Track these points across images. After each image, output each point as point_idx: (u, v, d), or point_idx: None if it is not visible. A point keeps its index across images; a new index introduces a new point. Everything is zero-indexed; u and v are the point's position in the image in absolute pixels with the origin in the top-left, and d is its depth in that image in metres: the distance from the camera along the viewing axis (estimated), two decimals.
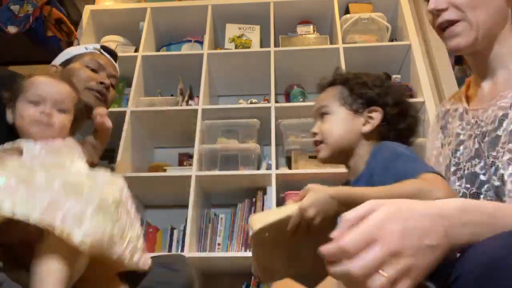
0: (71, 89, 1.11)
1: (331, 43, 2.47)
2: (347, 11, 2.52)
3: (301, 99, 2.36)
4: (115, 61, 1.47)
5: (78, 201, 0.79)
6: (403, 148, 0.93)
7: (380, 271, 0.50)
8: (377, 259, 0.50)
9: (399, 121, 1.01)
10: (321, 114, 1.03)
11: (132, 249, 0.86)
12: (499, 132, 0.82)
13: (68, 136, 1.09)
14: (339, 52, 2.29)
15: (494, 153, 0.82)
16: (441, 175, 0.85)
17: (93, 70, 1.35)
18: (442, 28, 0.86)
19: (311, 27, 2.54)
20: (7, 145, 1.01)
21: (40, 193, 0.77)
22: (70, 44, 2.53)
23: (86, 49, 1.40)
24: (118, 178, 0.92)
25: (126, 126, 2.14)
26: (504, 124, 0.82)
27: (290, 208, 0.83)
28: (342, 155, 1.00)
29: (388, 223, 0.52)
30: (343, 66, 2.21)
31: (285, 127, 2.17)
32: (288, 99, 2.42)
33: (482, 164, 0.84)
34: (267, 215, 0.85)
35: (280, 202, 2.08)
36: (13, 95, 1.06)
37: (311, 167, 2.05)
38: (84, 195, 0.80)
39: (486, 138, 0.85)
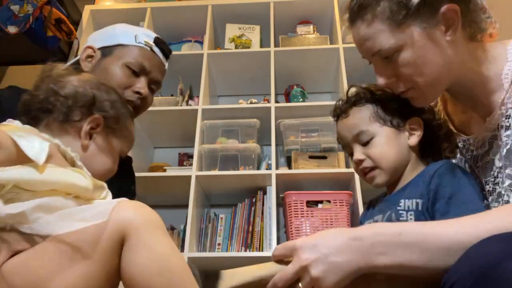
0: None
1: (331, 43, 2.47)
2: None
3: (301, 99, 2.36)
4: (167, 58, 1.22)
5: None
6: (465, 178, 0.86)
7: (298, 284, 0.65)
8: (290, 271, 0.65)
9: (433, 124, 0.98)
10: (360, 139, 0.95)
11: None
12: (492, 156, 0.81)
13: None
14: (339, 52, 2.29)
15: (490, 178, 0.81)
16: None
17: (134, 72, 1.12)
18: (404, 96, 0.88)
19: (311, 27, 2.54)
20: None
21: None
22: (70, 44, 2.54)
23: (137, 41, 1.14)
24: None
25: None
26: (495, 147, 0.81)
27: (267, 269, 0.71)
28: (397, 174, 0.95)
29: (303, 243, 0.66)
30: (343, 66, 2.22)
31: (285, 127, 2.18)
32: (288, 99, 2.42)
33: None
34: (238, 273, 0.75)
35: (280, 202, 2.09)
36: None
37: (311, 167, 2.05)
38: None
39: (479, 163, 0.84)
